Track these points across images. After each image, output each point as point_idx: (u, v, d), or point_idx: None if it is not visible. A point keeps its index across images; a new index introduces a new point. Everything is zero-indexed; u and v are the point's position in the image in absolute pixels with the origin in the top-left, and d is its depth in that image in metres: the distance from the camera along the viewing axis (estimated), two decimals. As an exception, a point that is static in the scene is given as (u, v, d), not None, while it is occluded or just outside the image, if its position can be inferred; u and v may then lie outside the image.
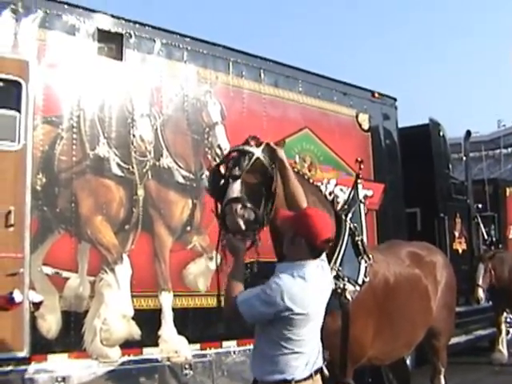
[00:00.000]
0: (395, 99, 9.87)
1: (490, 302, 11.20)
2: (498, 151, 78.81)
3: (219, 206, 4.02)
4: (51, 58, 5.96)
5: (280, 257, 4.11)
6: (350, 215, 4.95)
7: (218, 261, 4.30)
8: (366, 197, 5.77)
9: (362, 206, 5.27)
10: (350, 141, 8.80)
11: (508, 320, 11.90)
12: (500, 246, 12.60)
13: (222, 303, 3.67)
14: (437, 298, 5.52)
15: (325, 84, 8.61)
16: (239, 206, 3.78)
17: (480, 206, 12.42)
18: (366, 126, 9.14)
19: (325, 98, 8.51)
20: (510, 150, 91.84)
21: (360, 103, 9.09)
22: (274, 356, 3.45)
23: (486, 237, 12.02)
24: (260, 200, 3.89)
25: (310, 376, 3.52)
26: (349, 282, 4.24)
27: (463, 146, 12.56)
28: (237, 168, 3.93)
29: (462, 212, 11.48)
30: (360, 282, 4.50)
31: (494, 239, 12.63)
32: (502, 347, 11.15)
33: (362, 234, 4.91)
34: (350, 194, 5.35)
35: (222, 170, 4.08)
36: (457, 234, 11.16)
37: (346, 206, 5.14)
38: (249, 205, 3.80)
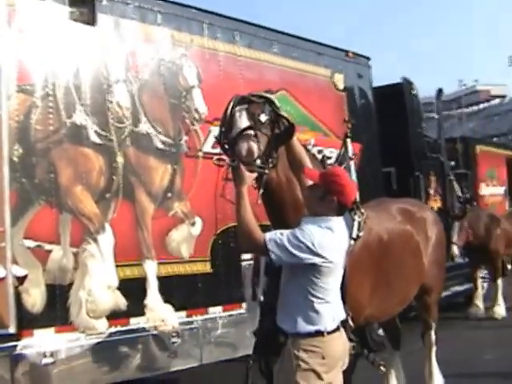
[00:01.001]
0: (369, 58, 9.78)
1: (466, 259, 11.35)
2: (459, 110, 79.92)
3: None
4: (22, 23, 5.71)
5: (275, 220, 4.05)
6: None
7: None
8: (355, 154, 5.70)
9: (352, 163, 5.23)
10: (326, 101, 8.71)
11: (483, 276, 12.10)
12: (474, 203, 12.74)
13: (240, 235, 3.64)
14: (428, 255, 5.52)
15: (300, 45, 8.47)
16: (252, 132, 3.70)
17: (453, 163, 12.49)
18: (341, 86, 9.04)
19: (300, 59, 8.38)
20: (470, 109, 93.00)
21: (335, 63, 8.98)
22: (304, 306, 3.55)
23: (459, 194, 12.10)
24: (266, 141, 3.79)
25: (338, 328, 3.64)
26: None
27: (436, 104, 12.57)
28: (244, 104, 3.86)
29: (436, 170, 11.53)
30: (354, 236, 4.48)
31: (467, 196, 12.73)
32: (479, 302, 11.36)
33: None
34: (340, 151, 5.30)
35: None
36: (432, 191, 11.22)
37: (336, 164, 5.10)
38: (263, 129, 3.75)
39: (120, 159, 6.22)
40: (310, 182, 3.77)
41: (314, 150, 8.28)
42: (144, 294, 6.32)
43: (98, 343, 5.91)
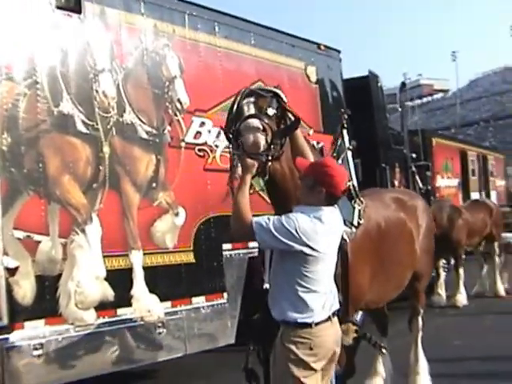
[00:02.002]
0: (339, 51, 9.91)
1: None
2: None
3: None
4: (7, 11, 5.62)
5: (277, 205, 4.09)
6: (339, 162, 5.01)
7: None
8: (353, 145, 5.78)
9: (349, 153, 5.32)
10: (300, 93, 8.78)
11: (443, 265, 12.39)
12: (437, 195, 13.05)
13: (232, 218, 3.65)
14: (419, 242, 5.65)
15: (275, 37, 8.55)
16: (257, 120, 3.72)
17: (414, 155, 12.75)
18: (313, 78, 9.14)
19: (275, 51, 8.45)
20: (414, 102, 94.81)
21: (308, 56, 9.07)
22: (290, 293, 3.59)
23: (421, 185, 12.36)
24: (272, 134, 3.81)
25: (329, 318, 3.66)
26: (345, 223, 4.25)
27: (398, 96, 12.80)
28: (252, 97, 3.90)
29: (400, 162, 11.78)
30: (355, 223, 4.56)
31: (428, 188, 13.03)
32: (441, 290, 11.64)
33: (352, 180, 4.97)
34: (337, 142, 5.38)
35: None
36: (396, 183, 11.45)
37: (335, 154, 5.18)
38: (266, 120, 3.75)
39: (106, 149, 6.17)
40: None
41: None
42: (130, 285, 6.29)
43: (87, 334, 5.87)
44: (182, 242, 6.86)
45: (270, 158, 3.74)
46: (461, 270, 11.74)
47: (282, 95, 4.00)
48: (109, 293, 6.05)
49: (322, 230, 3.55)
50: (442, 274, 11.95)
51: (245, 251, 7.60)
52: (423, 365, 6.10)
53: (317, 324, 3.59)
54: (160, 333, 6.51)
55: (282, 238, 3.46)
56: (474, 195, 18.77)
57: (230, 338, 7.33)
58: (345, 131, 5.46)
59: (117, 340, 6.14)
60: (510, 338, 8.45)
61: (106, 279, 6.05)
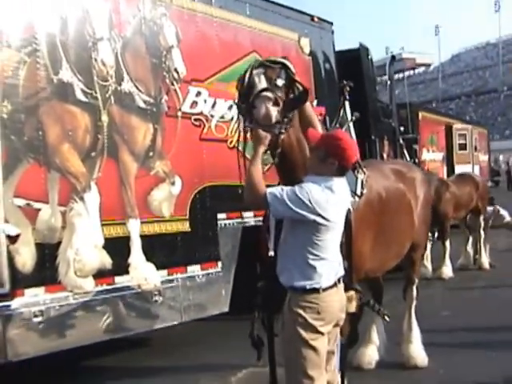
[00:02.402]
0: (332, 23, 9.90)
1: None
2: (384, 77, 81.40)
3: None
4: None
5: (285, 176, 4.14)
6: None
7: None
8: (356, 116, 5.83)
9: (351, 125, 5.38)
10: (294, 65, 8.74)
11: (429, 237, 12.53)
12: (424, 168, 13.14)
13: (245, 189, 3.75)
14: (417, 213, 5.75)
15: (269, 8, 8.51)
16: (270, 93, 3.76)
17: (402, 128, 12.82)
18: (307, 50, 9.14)
19: (270, 22, 8.43)
20: (396, 76, 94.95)
21: (301, 27, 9.06)
22: (300, 260, 3.70)
23: (408, 158, 12.45)
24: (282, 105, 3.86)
25: (335, 284, 3.79)
26: None
27: (387, 70, 12.80)
28: (261, 68, 3.93)
29: (388, 134, 11.84)
30: (358, 193, 4.65)
31: (416, 161, 13.14)
32: (427, 263, 11.79)
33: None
34: (339, 113, 5.43)
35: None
36: (385, 156, 11.53)
37: (337, 125, 5.24)
38: (278, 93, 3.80)
39: (105, 118, 6.17)
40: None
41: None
42: (128, 253, 6.35)
43: (86, 302, 5.93)
44: (178, 211, 6.91)
45: (282, 130, 3.79)
46: (447, 243, 11.87)
47: (291, 66, 4.04)
48: (107, 261, 6.10)
49: (333, 200, 3.65)
50: (428, 247, 12.09)
51: (239, 220, 7.69)
52: (416, 333, 6.24)
53: (324, 289, 3.71)
54: (156, 301, 6.59)
55: (296, 208, 3.54)
56: (458, 169, 18.91)
57: (223, 307, 7.43)
58: (347, 103, 5.49)
59: (114, 308, 6.21)
60: (497, 309, 8.66)
61: (104, 247, 6.09)
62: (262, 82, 3.87)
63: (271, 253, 4.22)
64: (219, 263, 7.36)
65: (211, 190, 7.29)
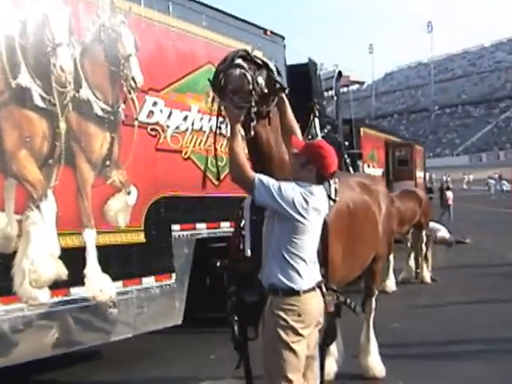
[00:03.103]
0: (283, 37, 9.99)
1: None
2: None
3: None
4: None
5: (256, 168, 4.18)
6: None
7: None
8: (328, 130, 5.90)
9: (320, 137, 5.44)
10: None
11: None
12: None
13: (230, 165, 3.86)
14: (380, 224, 5.83)
15: (225, 20, 8.54)
16: (245, 64, 3.97)
17: (347, 143, 13.00)
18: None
19: (225, 34, 8.43)
20: (330, 93, 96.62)
21: (255, 40, 9.05)
22: (281, 260, 3.79)
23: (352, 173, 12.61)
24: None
25: (313, 288, 3.88)
26: None
27: (334, 85, 12.97)
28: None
29: (335, 149, 11.93)
30: (333, 197, 4.69)
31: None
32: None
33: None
34: (307, 130, 5.50)
35: None
36: (332, 170, 11.62)
37: (309, 136, 5.30)
38: (251, 65, 3.99)
39: (62, 125, 6.03)
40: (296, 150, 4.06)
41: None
42: (84, 264, 6.20)
43: (41, 314, 5.75)
44: (133, 222, 6.81)
45: (253, 103, 3.89)
46: (390, 257, 12.06)
47: (273, 67, 4.19)
48: (63, 271, 5.94)
49: (313, 203, 3.77)
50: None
51: (193, 232, 7.64)
52: (374, 345, 6.31)
53: (304, 292, 3.79)
54: (111, 313, 6.46)
55: (279, 199, 3.67)
56: (397, 185, 19.27)
57: (177, 319, 7.35)
58: (316, 120, 5.58)
59: (70, 319, 6.06)
60: (444, 322, 8.89)
61: (60, 257, 5.93)
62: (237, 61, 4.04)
63: (248, 253, 4.26)
64: (173, 275, 7.28)
65: (166, 201, 7.22)
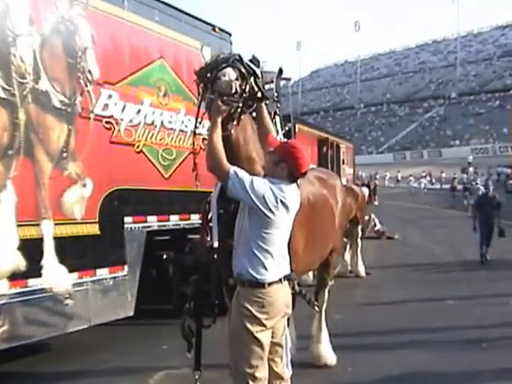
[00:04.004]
0: (230, 34, 10.12)
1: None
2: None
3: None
4: None
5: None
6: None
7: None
8: (290, 128, 6.07)
9: (282, 137, 5.60)
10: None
11: None
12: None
13: (207, 154, 4.01)
14: (337, 218, 6.06)
15: (176, 15, 8.61)
16: (233, 69, 4.15)
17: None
18: (208, 58, 9.26)
19: (176, 29, 8.52)
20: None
21: (204, 37, 9.21)
22: (250, 251, 3.98)
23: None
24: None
25: (280, 280, 4.07)
26: None
27: (275, 82, 13.14)
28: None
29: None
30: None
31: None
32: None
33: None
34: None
35: None
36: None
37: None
38: (243, 69, 4.20)
39: (22, 116, 6.03)
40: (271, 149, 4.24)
41: (185, 119, 8.60)
42: (41, 255, 6.22)
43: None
44: (88, 214, 6.85)
45: (239, 105, 4.14)
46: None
47: (259, 74, 4.38)
48: (21, 263, 5.95)
49: (282, 199, 3.95)
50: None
51: (144, 225, 7.72)
52: (325, 334, 6.56)
53: (269, 284, 3.99)
54: (67, 304, 6.50)
55: (250, 192, 3.86)
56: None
57: (129, 311, 7.43)
58: (277, 118, 5.75)
59: (27, 310, 6.08)
60: (383, 313, 9.27)
61: (18, 248, 5.93)
62: (227, 59, 4.26)
63: (215, 244, 4.42)
64: (125, 267, 7.36)
65: (119, 194, 7.28)
